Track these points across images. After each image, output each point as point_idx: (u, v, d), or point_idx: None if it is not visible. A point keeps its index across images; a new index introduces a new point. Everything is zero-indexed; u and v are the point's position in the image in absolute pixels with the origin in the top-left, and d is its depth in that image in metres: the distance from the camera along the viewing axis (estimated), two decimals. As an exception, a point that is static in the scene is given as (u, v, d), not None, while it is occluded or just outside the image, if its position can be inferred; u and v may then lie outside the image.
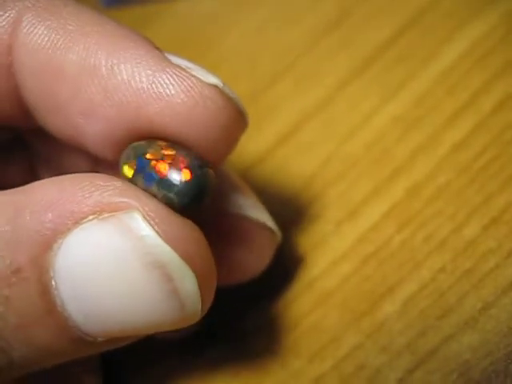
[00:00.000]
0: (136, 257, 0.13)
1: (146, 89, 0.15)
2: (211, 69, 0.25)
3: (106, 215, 0.13)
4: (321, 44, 0.23)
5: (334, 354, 0.18)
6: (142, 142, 0.15)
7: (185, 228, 0.14)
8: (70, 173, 0.15)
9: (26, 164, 0.19)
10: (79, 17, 0.15)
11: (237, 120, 0.15)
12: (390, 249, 0.19)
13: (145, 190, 0.14)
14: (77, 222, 0.13)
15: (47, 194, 0.13)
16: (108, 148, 0.16)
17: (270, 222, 0.18)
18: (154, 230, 0.13)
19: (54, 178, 0.14)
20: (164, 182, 0.14)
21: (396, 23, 0.23)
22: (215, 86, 0.15)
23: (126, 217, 0.13)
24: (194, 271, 0.14)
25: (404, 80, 0.22)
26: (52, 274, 0.13)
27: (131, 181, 0.14)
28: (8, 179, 0.19)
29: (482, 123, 0.20)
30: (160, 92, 0.15)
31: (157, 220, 0.13)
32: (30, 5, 0.15)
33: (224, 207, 0.18)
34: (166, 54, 0.15)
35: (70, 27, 0.15)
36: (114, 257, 0.13)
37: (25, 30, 0.15)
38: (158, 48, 0.15)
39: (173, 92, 0.15)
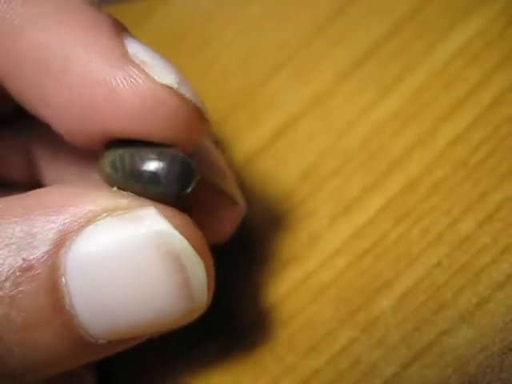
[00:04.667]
0: (151, 248, 0.14)
1: (97, 90, 0.15)
2: (208, 63, 0.25)
3: (120, 212, 0.14)
4: (317, 39, 0.23)
5: (330, 349, 0.18)
6: (115, 151, 0.15)
7: (187, 220, 0.15)
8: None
9: (25, 158, 0.19)
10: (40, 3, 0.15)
11: (192, 120, 0.15)
12: (386, 244, 0.19)
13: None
14: (90, 220, 0.14)
15: (60, 195, 0.14)
16: (72, 137, 0.16)
17: (237, 195, 0.18)
18: (168, 222, 0.14)
19: (64, 185, 0.15)
20: (148, 178, 0.14)
21: (393, 18, 0.23)
22: (168, 88, 0.15)
23: (141, 212, 0.14)
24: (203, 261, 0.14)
25: (401, 75, 0.22)
26: (63, 271, 0.13)
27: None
28: (6, 174, 0.19)
29: (478, 118, 0.20)
30: (112, 95, 0.15)
31: (166, 214, 0.14)
32: None
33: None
34: (127, 41, 0.15)
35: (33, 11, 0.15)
36: (128, 250, 0.14)
37: None
38: (120, 33, 0.15)
39: (124, 95, 0.14)
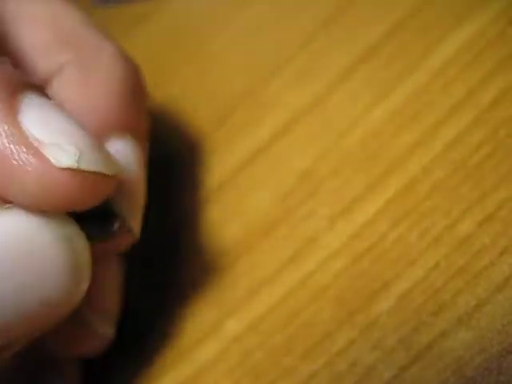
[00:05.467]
0: (46, 233, 0.14)
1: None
2: (208, 64, 0.25)
3: (7, 206, 0.14)
4: (317, 39, 0.23)
5: (327, 351, 0.18)
6: None
7: None
8: None
9: None
10: None
11: (96, 190, 0.15)
12: (385, 245, 0.19)
13: None
14: None
15: None
16: None
17: (134, 222, 0.18)
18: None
19: None
20: None
21: (393, 18, 0.22)
22: (66, 170, 0.14)
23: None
24: None
25: (401, 75, 0.22)
26: None
27: None
28: None
29: (477, 119, 0.20)
30: (13, 182, 0.14)
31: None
32: None
33: None
34: (23, 111, 0.14)
35: None
36: (21, 237, 0.14)
37: None
38: (14, 100, 0.14)
39: (22, 180, 0.14)
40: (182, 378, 0.20)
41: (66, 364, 0.19)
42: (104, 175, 0.15)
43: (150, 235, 0.19)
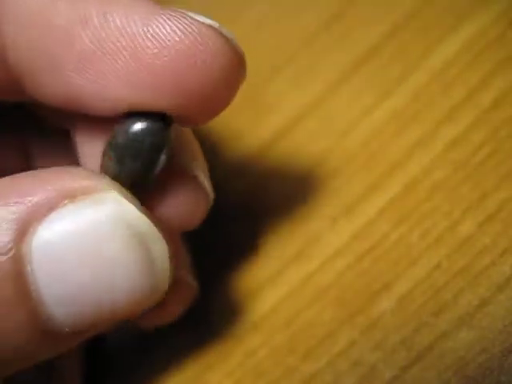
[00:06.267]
0: (113, 229, 0.14)
1: (141, 32, 0.14)
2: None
3: (82, 197, 0.14)
4: (318, 40, 0.23)
5: (329, 351, 0.18)
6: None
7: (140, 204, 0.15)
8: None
9: (21, 150, 0.19)
10: None
11: (236, 61, 0.15)
12: (386, 245, 0.19)
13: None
14: (51, 208, 0.14)
15: (21, 184, 0.14)
16: (106, 104, 0.15)
17: (207, 184, 0.18)
18: (127, 201, 0.14)
19: (28, 172, 0.15)
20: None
21: (394, 19, 0.23)
22: (212, 27, 0.14)
23: (102, 195, 0.14)
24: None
25: (402, 75, 0.22)
26: (29, 259, 0.14)
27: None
28: (2, 165, 0.19)
29: (478, 119, 0.20)
30: (156, 32, 0.14)
31: (128, 196, 0.15)
32: None
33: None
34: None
35: None
36: (90, 235, 0.14)
37: None
38: None
39: (169, 31, 0.14)
40: (186, 378, 0.20)
41: (68, 371, 0.19)
42: (240, 53, 0.15)
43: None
